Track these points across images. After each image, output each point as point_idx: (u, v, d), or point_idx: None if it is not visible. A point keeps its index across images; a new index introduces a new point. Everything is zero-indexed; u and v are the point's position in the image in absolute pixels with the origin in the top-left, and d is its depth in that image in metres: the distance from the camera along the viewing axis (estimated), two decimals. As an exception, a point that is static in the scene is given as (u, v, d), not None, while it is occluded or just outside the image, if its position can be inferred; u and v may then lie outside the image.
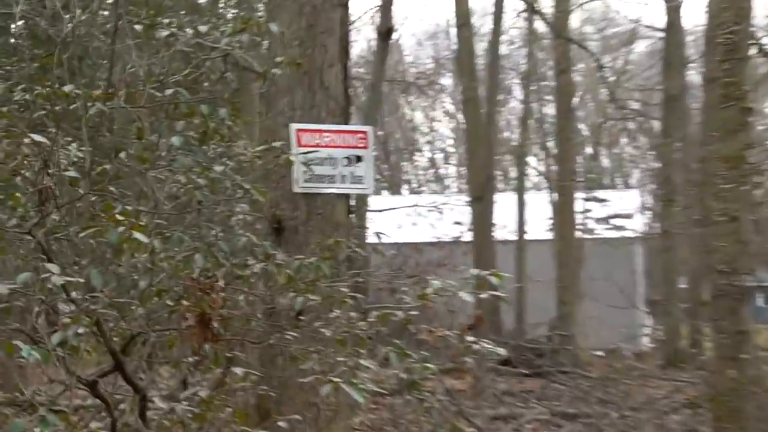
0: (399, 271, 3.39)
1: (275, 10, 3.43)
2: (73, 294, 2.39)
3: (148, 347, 3.34)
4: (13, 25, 4.11)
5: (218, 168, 2.59)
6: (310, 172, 3.17)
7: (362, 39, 24.36)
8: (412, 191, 32.00)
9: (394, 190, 31.44)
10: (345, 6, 3.53)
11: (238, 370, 2.96)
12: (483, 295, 2.64)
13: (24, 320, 2.50)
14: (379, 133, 27.10)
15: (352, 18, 15.44)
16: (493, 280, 2.63)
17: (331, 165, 3.33)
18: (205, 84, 3.91)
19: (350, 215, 3.68)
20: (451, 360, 2.89)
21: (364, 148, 3.46)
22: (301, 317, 2.97)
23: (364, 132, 3.55)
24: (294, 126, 3.31)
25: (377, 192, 23.88)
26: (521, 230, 18.14)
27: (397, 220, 14.55)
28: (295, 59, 3.25)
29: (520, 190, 19.16)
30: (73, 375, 2.41)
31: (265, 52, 3.51)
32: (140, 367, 3.94)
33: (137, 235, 2.20)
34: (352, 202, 7.57)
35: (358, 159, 3.43)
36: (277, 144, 2.85)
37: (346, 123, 3.54)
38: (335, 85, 3.48)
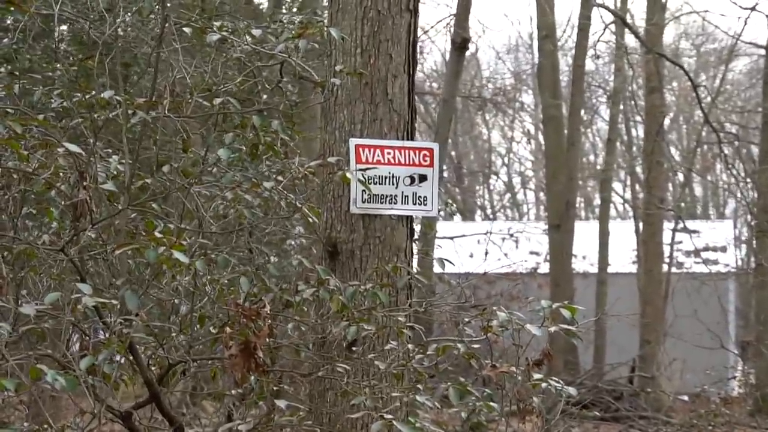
0: (465, 302, 3.12)
1: (337, 16, 3.24)
2: (108, 317, 2.29)
3: (190, 378, 3.23)
4: (56, 29, 4.20)
5: (267, 184, 2.41)
6: (369, 191, 2.97)
7: (436, 50, 23.96)
8: (487, 217, 31.11)
9: (467, 215, 30.74)
10: (414, 12, 3.31)
11: (283, 404, 2.79)
12: (553, 330, 2.52)
13: (56, 345, 2.40)
14: (452, 153, 26.59)
15: (425, 27, 15.23)
16: (566, 313, 2.49)
17: (392, 184, 3.10)
18: (264, 96, 3.81)
19: (412, 240, 3.44)
20: (517, 400, 2.68)
21: (429, 166, 3.22)
22: (354, 348, 2.82)
23: (429, 149, 3.30)
24: (353, 141, 3.10)
25: (448, 217, 23.37)
26: (603, 262, 17.28)
27: (469, 247, 14.17)
28: (357, 69, 3.09)
29: (604, 218, 18.28)
30: (103, 404, 2.28)
31: (326, 61, 3.33)
32: (183, 400, 3.84)
33: (177, 255, 2.05)
34: (416, 226, 7.38)
35: (422, 178, 3.20)
36: (332, 160, 2.66)
37: (411, 139, 3.31)
38: (400, 97, 3.27)
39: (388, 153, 3.15)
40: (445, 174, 24.97)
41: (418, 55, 3.75)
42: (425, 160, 3.24)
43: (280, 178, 2.53)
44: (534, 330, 2.43)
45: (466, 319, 2.74)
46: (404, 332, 2.66)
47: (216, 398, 3.33)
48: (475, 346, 2.62)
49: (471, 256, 13.87)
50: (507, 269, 15.08)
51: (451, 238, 13.46)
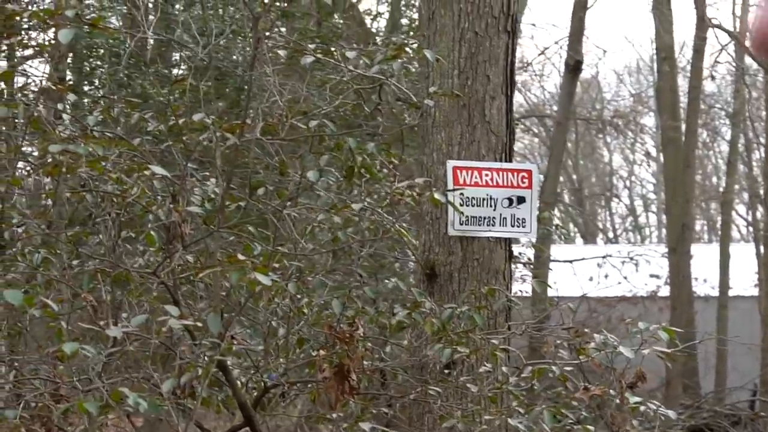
0: (562, 325, 2.93)
1: (434, 37, 3.17)
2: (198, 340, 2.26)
3: (300, 401, 3.19)
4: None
5: (356, 206, 2.31)
6: (462, 214, 2.82)
7: (556, 73, 23.35)
8: (608, 240, 29.70)
9: (588, 238, 29.51)
10: (511, 33, 3.19)
11: (368, 427, 2.68)
12: (648, 352, 2.48)
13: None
14: (573, 176, 25.67)
15: (541, 48, 14.95)
16: (663, 335, 2.41)
17: (490, 206, 2.97)
18: (379, 118, 3.76)
19: (511, 262, 3.27)
20: (611, 423, 2.56)
21: (528, 188, 3.08)
22: (448, 371, 2.75)
23: (528, 171, 3.15)
24: (451, 163, 3.01)
25: (570, 240, 22.60)
26: (724, 285, 16.00)
27: (589, 271, 13.59)
28: (454, 90, 2.98)
29: (725, 240, 16.99)
30: (191, 421, 2.24)
31: (424, 83, 3.25)
32: (299, 423, 3.80)
33: (260, 277, 1.99)
34: (527, 249, 7.10)
35: (521, 200, 3.05)
36: (420, 180, 2.52)
37: (509, 161, 3.16)
38: (498, 119, 3.16)
39: (486, 175, 3.03)
40: (566, 197, 24.22)
41: (532, 77, 3.60)
42: (523, 182, 3.12)
43: (369, 200, 2.42)
44: (627, 352, 2.37)
45: (558, 342, 2.58)
46: (498, 355, 2.57)
47: (317, 421, 3.26)
48: (568, 368, 2.58)
49: (590, 279, 13.25)
50: (627, 293, 14.40)
51: (570, 261, 12.88)
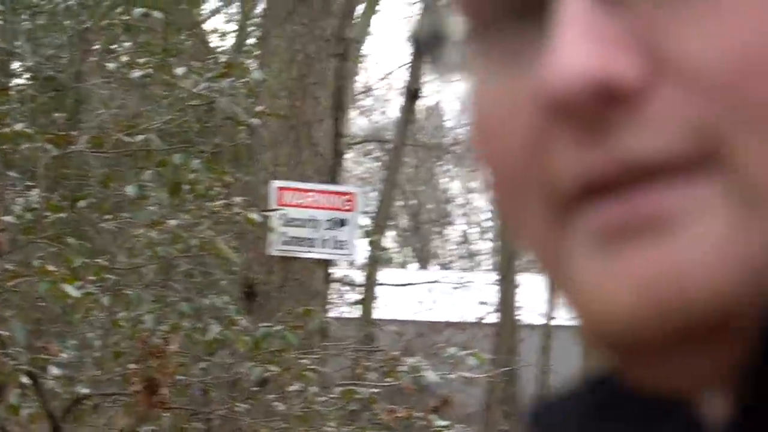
0: (371, 347, 3.07)
1: (267, 57, 3.20)
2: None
3: (102, 414, 3.06)
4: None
5: (172, 222, 2.32)
6: (280, 235, 2.88)
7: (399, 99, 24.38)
8: (442, 266, 31.06)
9: (423, 264, 30.67)
10: (343, 57, 3.30)
11: None
12: (457, 375, 2.66)
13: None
14: (412, 202, 26.67)
15: (383, 75, 15.58)
16: (473, 361, 2.56)
17: (312, 227, 3.04)
18: (215, 136, 3.73)
19: (329, 283, 3.37)
20: None
21: (350, 210, 3.16)
22: (260, 388, 2.74)
23: (351, 194, 3.26)
24: (275, 183, 3.03)
25: (403, 265, 23.46)
26: (550, 314, 17.33)
27: (420, 296, 14.14)
28: (281, 111, 3.03)
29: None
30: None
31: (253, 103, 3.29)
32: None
33: (68, 288, 1.96)
34: (353, 271, 7.31)
35: (342, 222, 3.13)
36: (238, 199, 2.57)
37: (335, 183, 3.27)
38: (325, 141, 3.22)
39: (310, 196, 3.09)
40: (403, 222, 25.12)
41: (375, 102, 3.76)
42: (347, 205, 3.19)
43: (187, 216, 2.43)
44: (432, 377, 2.42)
45: (367, 364, 2.71)
46: (308, 375, 2.56)
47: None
48: (375, 390, 2.60)
49: (420, 303, 13.80)
50: (456, 318, 15.01)
51: (399, 285, 13.38)
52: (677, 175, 0.16)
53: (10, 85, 4.48)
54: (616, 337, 0.18)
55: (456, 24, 0.20)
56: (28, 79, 5.20)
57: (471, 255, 33.79)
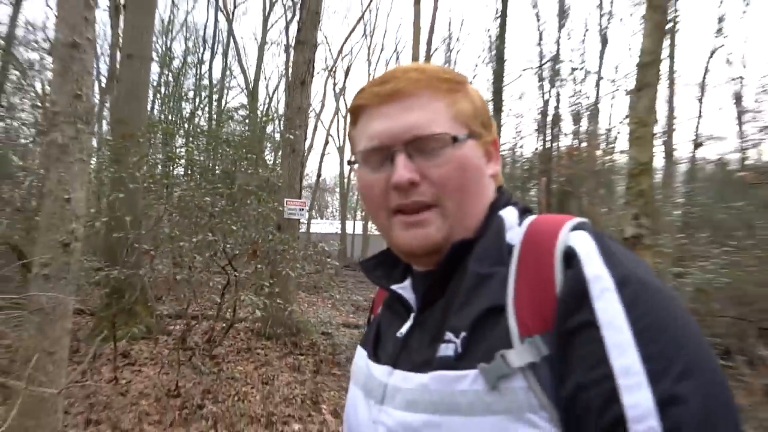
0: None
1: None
2: None
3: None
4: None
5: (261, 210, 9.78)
6: (287, 212, 10.35)
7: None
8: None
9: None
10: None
11: None
12: None
13: None
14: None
15: None
16: None
17: (293, 211, 10.49)
18: None
19: (299, 224, 10.84)
20: None
21: (304, 205, 10.60)
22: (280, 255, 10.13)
23: (304, 201, 10.72)
24: (285, 199, 10.46)
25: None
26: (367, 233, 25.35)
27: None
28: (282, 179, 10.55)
29: None
30: None
31: None
32: None
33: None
34: None
35: (302, 210, 10.58)
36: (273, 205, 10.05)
37: (300, 197, 10.74)
38: (298, 185, 10.69)
39: (294, 202, 10.54)
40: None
41: None
42: (303, 204, 10.64)
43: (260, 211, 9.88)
44: None
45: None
46: (295, 247, 10.01)
47: None
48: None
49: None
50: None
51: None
52: (429, 208, 0.84)
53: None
54: (407, 255, 0.91)
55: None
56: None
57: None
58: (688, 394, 0.62)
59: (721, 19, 32.56)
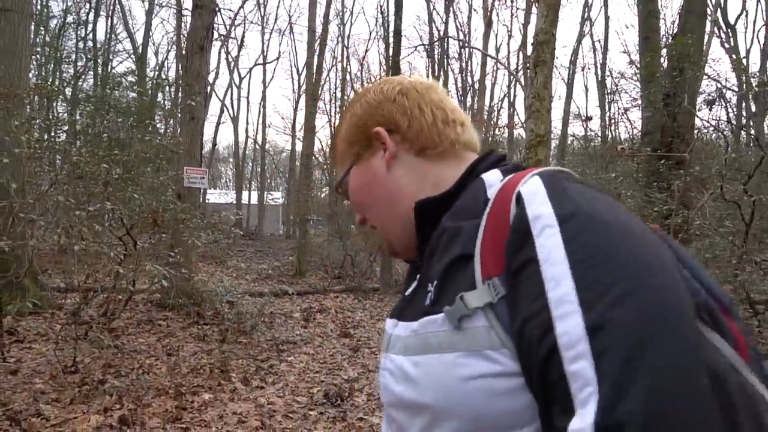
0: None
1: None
2: None
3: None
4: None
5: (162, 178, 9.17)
6: (189, 180, 9.82)
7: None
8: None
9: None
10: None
11: None
12: None
13: None
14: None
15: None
16: None
17: (194, 179, 9.97)
18: None
19: (200, 192, 10.31)
20: None
21: (205, 174, 10.12)
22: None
23: (205, 169, 10.24)
24: (186, 167, 9.89)
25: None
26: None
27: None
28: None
29: None
30: None
31: None
32: None
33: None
34: None
35: (203, 177, 10.09)
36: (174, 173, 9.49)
37: (201, 165, 10.21)
38: (198, 152, 10.12)
39: (195, 170, 10.00)
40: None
41: None
42: (202, 172, 10.13)
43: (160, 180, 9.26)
44: None
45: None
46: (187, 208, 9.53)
47: None
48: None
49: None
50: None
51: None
52: (363, 223, 1.06)
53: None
54: (392, 252, 1.05)
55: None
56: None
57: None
58: (620, 318, 0.60)
59: (587, 6, 34.56)
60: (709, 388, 0.56)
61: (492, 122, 32.01)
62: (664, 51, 10.96)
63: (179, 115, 11.54)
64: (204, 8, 9.66)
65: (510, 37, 51.47)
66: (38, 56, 24.06)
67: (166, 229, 9.00)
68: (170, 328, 8.26)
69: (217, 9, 9.65)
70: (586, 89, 52.41)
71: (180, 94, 15.79)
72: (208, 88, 32.79)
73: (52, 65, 24.12)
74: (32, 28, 12.66)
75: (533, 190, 0.74)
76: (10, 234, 6.62)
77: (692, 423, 0.55)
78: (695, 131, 9.89)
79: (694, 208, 7.44)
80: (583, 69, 32.95)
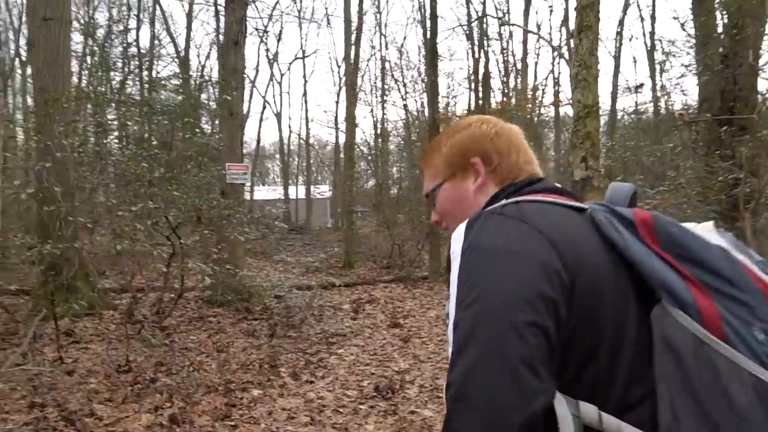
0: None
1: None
2: None
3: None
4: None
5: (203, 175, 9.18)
6: (231, 176, 9.82)
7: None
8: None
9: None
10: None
11: None
12: None
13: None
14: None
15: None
16: None
17: (235, 175, 9.96)
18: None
19: (243, 189, 10.32)
20: None
21: (247, 169, 10.09)
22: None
23: (247, 165, 10.22)
24: (228, 164, 9.89)
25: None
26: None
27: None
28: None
29: None
30: None
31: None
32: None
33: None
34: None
35: (245, 174, 10.04)
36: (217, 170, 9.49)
37: (242, 161, 10.18)
38: (240, 150, 10.10)
39: (238, 166, 9.98)
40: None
41: None
42: (246, 168, 10.10)
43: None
44: None
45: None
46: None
47: None
48: None
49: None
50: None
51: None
52: (438, 224, 1.34)
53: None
54: None
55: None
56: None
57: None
58: (464, 319, 0.91)
59: (635, -25, 32.94)
60: (505, 370, 0.84)
61: (536, 102, 31.15)
62: (719, 13, 10.21)
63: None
64: (236, 2, 9.59)
65: (551, 12, 49.76)
66: (87, 64, 24.77)
67: (211, 226, 9.03)
68: (220, 325, 8.28)
69: (249, 2, 9.55)
70: (635, 61, 50.38)
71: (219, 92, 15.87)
72: (250, 85, 33.09)
73: (100, 72, 24.78)
74: (77, 39, 12.88)
75: (457, 234, 1.04)
76: (59, 237, 6.73)
77: (485, 391, 0.83)
78: (759, 94, 9.18)
79: (763, 176, 6.88)
80: (630, 39, 31.51)
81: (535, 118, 30.92)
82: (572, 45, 5.85)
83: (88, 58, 24.76)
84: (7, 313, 7.81)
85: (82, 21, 27.28)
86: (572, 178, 5.45)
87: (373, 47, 36.59)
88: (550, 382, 0.84)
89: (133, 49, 27.79)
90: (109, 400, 5.32)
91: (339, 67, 39.83)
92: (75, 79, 26.15)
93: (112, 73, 25.36)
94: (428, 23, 16.03)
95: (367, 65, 33.74)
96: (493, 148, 1.24)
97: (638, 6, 38.44)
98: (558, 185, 1.19)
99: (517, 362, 0.82)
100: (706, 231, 0.96)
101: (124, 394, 5.40)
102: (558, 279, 0.90)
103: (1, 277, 8.37)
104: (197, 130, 9.42)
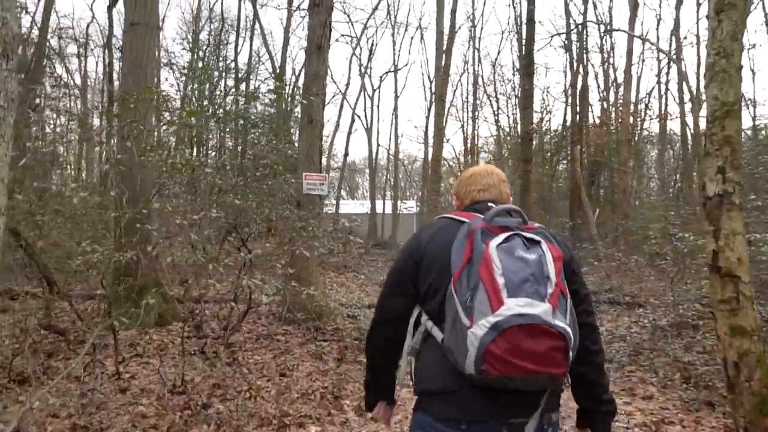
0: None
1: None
2: None
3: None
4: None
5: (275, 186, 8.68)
6: (307, 187, 9.29)
7: None
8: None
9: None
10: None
11: None
12: None
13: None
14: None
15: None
16: None
17: (313, 185, 9.41)
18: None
19: (320, 200, 9.77)
20: None
21: (324, 180, 9.54)
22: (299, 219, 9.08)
23: (325, 175, 9.66)
24: (304, 174, 9.38)
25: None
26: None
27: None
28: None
29: None
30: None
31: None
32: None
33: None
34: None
35: (323, 184, 9.49)
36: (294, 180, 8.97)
37: (320, 172, 9.66)
38: (318, 159, 9.59)
39: (314, 176, 9.43)
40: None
41: None
42: (324, 179, 9.53)
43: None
44: None
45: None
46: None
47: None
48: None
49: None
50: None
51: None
52: None
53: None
54: None
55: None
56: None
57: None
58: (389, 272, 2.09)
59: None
60: (387, 289, 2.10)
61: (639, 117, 28.94)
62: None
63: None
64: (321, 5, 9.10)
65: (659, 21, 46.62)
66: (191, 81, 25.69)
67: (281, 238, 8.53)
68: (288, 344, 7.66)
69: (333, 5, 9.02)
70: (753, 73, 46.06)
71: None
72: (340, 97, 33.07)
73: (204, 87, 25.60)
74: (184, 57, 12.93)
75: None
76: (133, 245, 6.38)
77: (381, 297, 2.11)
78: None
79: None
80: (749, 49, 28.47)
81: (637, 135, 28.70)
82: (708, 28, 4.68)
83: (187, 71, 25.62)
84: (80, 321, 7.60)
85: (189, 38, 28.49)
86: (704, 194, 4.33)
87: (465, 62, 35.67)
88: (408, 297, 1.97)
89: (232, 64, 28.61)
90: (153, 427, 4.77)
91: (431, 82, 39.26)
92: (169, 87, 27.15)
93: (213, 87, 26.13)
94: (524, 30, 15.00)
95: (459, 80, 32.90)
96: (461, 187, 2.26)
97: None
98: (491, 204, 2.07)
99: (391, 286, 2.04)
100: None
101: (171, 421, 4.85)
102: (413, 258, 1.96)
103: (75, 283, 8.24)
104: (287, 139, 8.94)
